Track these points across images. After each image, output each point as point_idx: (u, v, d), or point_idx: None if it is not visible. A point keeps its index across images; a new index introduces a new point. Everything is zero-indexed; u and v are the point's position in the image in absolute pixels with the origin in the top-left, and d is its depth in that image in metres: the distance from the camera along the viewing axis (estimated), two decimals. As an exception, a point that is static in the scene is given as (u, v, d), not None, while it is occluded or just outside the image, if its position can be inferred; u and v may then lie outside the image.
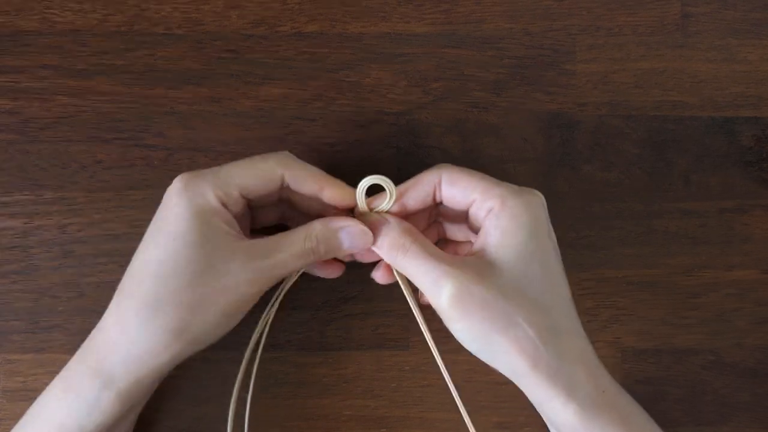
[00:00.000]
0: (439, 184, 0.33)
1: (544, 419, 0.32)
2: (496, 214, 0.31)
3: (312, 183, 0.32)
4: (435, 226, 0.37)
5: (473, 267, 0.30)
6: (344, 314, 0.38)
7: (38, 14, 0.39)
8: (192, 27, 0.39)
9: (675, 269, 0.40)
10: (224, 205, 0.31)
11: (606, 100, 0.40)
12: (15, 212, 0.38)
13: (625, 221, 0.39)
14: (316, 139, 0.39)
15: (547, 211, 0.32)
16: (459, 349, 0.37)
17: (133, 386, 0.30)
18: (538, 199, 0.32)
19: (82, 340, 0.37)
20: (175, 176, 0.38)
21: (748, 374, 0.39)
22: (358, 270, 0.38)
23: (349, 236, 0.32)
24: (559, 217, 0.39)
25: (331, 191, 0.32)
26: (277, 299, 0.35)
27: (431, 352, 0.39)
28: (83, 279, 0.38)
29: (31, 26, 0.39)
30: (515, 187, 0.32)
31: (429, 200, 0.33)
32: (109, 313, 0.31)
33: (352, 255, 0.34)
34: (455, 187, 0.32)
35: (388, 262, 0.33)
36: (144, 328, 0.29)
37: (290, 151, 0.39)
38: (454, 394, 0.34)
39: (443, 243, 0.37)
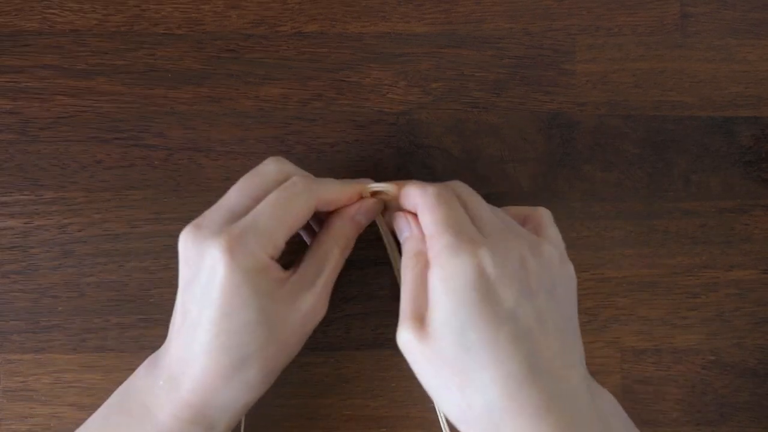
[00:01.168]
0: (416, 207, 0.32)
1: None
2: (432, 270, 0.29)
3: (338, 201, 0.33)
4: None
5: (426, 321, 0.29)
6: (344, 314, 0.38)
7: (38, 14, 0.39)
8: (192, 27, 0.39)
9: (675, 269, 0.40)
10: (272, 257, 0.30)
11: (605, 100, 0.40)
12: (15, 212, 0.38)
13: (625, 221, 0.39)
14: (316, 139, 0.39)
15: (496, 271, 0.28)
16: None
17: (227, 427, 0.32)
18: (474, 261, 0.28)
19: (83, 340, 0.37)
20: (176, 176, 0.38)
21: (748, 374, 0.39)
22: (358, 270, 0.38)
23: (364, 213, 0.34)
24: (559, 217, 0.39)
25: (351, 198, 0.34)
26: None
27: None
28: (83, 279, 0.38)
29: (31, 26, 0.39)
30: (455, 242, 0.29)
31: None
32: (187, 376, 0.30)
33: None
34: (420, 218, 0.31)
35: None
36: (235, 385, 0.30)
37: (290, 151, 0.39)
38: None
39: None
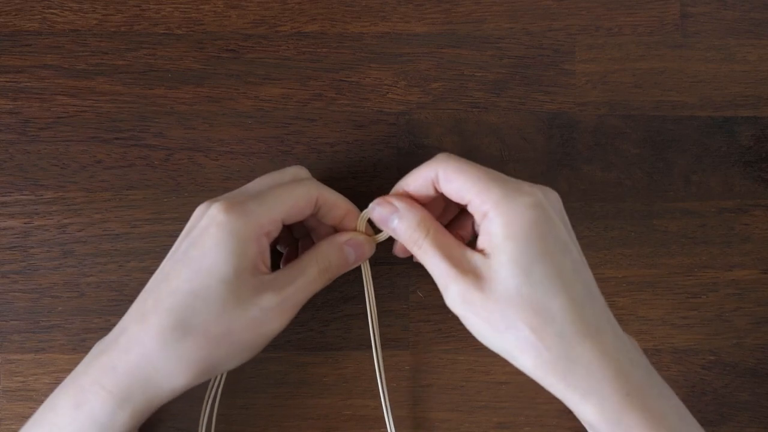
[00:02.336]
0: (437, 179, 0.32)
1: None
2: (491, 219, 0.30)
3: (338, 210, 0.33)
4: (460, 221, 0.36)
5: (476, 269, 0.30)
6: (344, 314, 0.38)
7: (38, 14, 0.39)
8: (192, 27, 0.39)
9: (675, 269, 0.40)
10: (267, 235, 0.31)
11: (605, 100, 0.40)
12: (15, 212, 0.38)
13: (625, 221, 0.39)
14: (316, 139, 0.39)
15: (550, 209, 0.31)
16: (459, 349, 0.37)
17: (147, 408, 0.30)
18: (532, 198, 0.30)
19: (83, 340, 0.37)
20: (176, 176, 0.38)
21: (748, 374, 0.39)
22: (358, 270, 0.38)
23: (354, 248, 0.34)
24: (559, 217, 0.39)
25: (349, 221, 0.34)
26: None
27: (431, 352, 0.39)
28: (83, 279, 0.38)
29: (31, 26, 0.39)
30: (510, 186, 0.31)
31: (431, 193, 0.33)
32: (126, 333, 0.30)
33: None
34: (451, 185, 0.32)
35: (407, 248, 0.33)
36: (167, 355, 0.29)
37: (290, 151, 0.39)
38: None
39: (462, 217, 0.36)
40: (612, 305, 0.39)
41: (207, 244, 0.30)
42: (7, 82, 0.38)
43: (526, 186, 0.31)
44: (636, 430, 0.29)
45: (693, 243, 0.40)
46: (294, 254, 0.37)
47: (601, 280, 0.39)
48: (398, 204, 0.33)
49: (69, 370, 0.37)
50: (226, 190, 0.38)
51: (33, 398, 0.37)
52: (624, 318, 0.39)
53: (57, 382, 0.37)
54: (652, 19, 0.40)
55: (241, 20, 0.39)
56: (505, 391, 0.38)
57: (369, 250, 0.34)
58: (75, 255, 0.38)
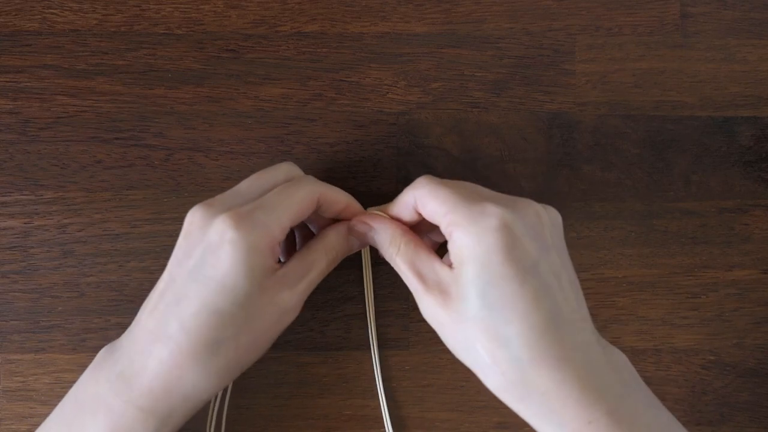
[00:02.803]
0: (416, 205, 0.33)
1: None
2: (455, 241, 0.30)
3: (338, 205, 0.34)
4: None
5: (441, 285, 0.31)
6: (344, 314, 0.38)
7: (38, 14, 0.39)
8: (192, 27, 0.39)
9: (675, 269, 0.40)
10: (279, 243, 0.31)
11: (605, 100, 0.40)
12: (15, 212, 0.38)
13: (625, 221, 0.39)
14: (316, 139, 0.39)
15: (520, 231, 0.29)
16: (459, 348, 0.36)
17: (184, 420, 0.31)
18: (495, 221, 0.29)
19: (83, 340, 0.37)
20: (176, 176, 0.38)
21: (748, 374, 0.39)
22: (358, 270, 0.38)
23: (358, 236, 0.35)
24: (559, 216, 0.39)
25: (349, 212, 0.35)
26: None
27: (432, 352, 0.39)
28: (83, 279, 0.38)
29: (31, 26, 0.39)
30: (479, 208, 0.30)
31: (415, 217, 0.34)
32: (156, 358, 0.30)
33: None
34: (424, 210, 0.32)
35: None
36: (203, 372, 0.30)
37: (290, 151, 0.39)
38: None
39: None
40: (612, 305, 0.39)
41: (224, 263, 0.29)
42: (7, 82, 0.38)
43: (491, 207, 0.30)
44: None
45: (693, 243, 0.40)
46: (292, 243, 0.37)
47: (601, 280, 0.39)
48: (372, 222, 0.34)
49: (69, 370, 0.37)
50: (226, 189, 0.38)
51: (33, 398, 0.37)
52: (624, 318, 0.39)
53: (57, 382, 0.37)
54: (652, 19, 0.40)
55: (241, 20, 0.39)
56: (505, 391, 0.38)
57: (371, 238, 0.35)
58: (75, 255, 0.38)
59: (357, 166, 0.39)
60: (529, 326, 0.29)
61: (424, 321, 0.37)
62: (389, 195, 0.38)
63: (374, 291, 0.38)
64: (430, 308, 0.31)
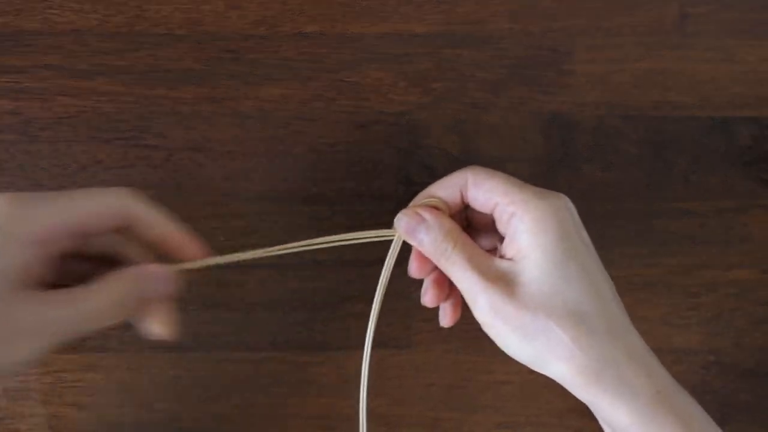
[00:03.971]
0: (466, 185, 0.32)
1: (598, 420, 0.32)
2: (520, 218, 0.30)
3: (155, 230, 0.30)
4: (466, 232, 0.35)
5: (505, 278, 0.30)
6: (344, 314, 0.38)
7: (39, 14, 0.39)
8: (192, 27, 0.39)
9: (675, 269, 0.40)
10: (44, 242, 0.27)
11: (605, 101, 0.40)
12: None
13: (625, 221, 0.40)
14: (316, 139, 0.39)
15: (574, 212, 0.31)
16: (459, 348, 0.37)
17: None
18: (561, 201, 0.31)
19: (82, 340, 0.37)
20: (176, 176, 0.38)
21: (748, 374, 0.39)
22: (358, 270, 0.38)
23: (163, 282, 0.30)
24: (559, 216, 0.39)
25: (170, 247, 0.30)
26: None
27: (433, 351, 0.39)
28: (83, 279, 0.38)
29: (32, 26, 0.39)
30: (538, 190, 0.31)
31: (458, 201, 0.33)
32: None
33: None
34: (480, 189, 0.32)
35: (433, 261, 0.32)
36: None
37: (290, 151, 0.39)
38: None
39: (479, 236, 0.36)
40: (612, 305, 0.39)
41: None
42: (8, 82, 0.38)
43: (553, 192, 0.31)
44: (668, 429, 0.29)
45: (693, 243, 0.40)
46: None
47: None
48: (425, 215, 0.32)
49: (69, 370, 0.37)
50: (226, 189, 0.38)
51: (33, 398, 0.37)
52: (624, 318, 0.39)
53: (57, 381, 0.37)
54: (652, 19, 0.40)
55: (242, 21, 0.39)
56: (507, 391, 0.38)
57: (419, 233, 0.32)
58: (75, 255, 0.38)
59: (357, 166, 0.39)
60: (601, 299, 0.30)
61: (425, 321, 0.37)
62: (389, 195, 0.39)
63: (374, 290, 0.38)
64: (493, 303, 0.30)
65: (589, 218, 0.39)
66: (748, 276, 0.40)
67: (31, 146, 0.38)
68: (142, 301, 0.29)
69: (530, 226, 0.30)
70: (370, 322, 0.35)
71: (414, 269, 0.34)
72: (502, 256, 0.31)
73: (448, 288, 0.33)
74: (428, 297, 0.34)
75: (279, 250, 0.32)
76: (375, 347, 0.38)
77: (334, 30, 0.39)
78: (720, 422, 0.39)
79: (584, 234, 0.31)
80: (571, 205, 0.31)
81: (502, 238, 0.32)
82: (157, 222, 0.30)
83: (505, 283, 0.30)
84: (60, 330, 0.27)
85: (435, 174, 0.39)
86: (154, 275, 0.29)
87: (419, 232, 0.32)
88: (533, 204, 0.30)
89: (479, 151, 0.39)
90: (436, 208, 0.32)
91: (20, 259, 0.26)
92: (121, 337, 0.38)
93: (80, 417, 0.37)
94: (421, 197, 0.33)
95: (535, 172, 0.39)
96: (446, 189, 0.33)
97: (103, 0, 0.39)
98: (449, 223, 0.32)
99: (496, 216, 0.32)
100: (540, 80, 0.40)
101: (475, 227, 0.35)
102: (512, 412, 0.38)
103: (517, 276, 0.30)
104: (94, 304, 0.28)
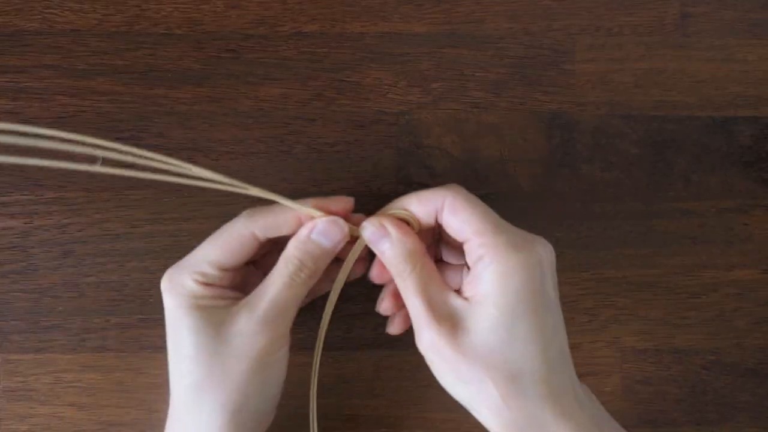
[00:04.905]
0: (442, 208, 0.31)
1: None
2: (486, 265, 0.29)
3: (283, 228, 0.32)
4: (434, 246, 0.36)
5: (453, 318, 0.29)
6: (344, 314, 0.38)
7: (38, 14, 0.39)
8: (192, 27, 0.39)
9: (675, 269, 0.40)
10: (207, 284, 0.31)
11: (606, 100, 0.40)
12: (15, 212, 0.38)
13: (625, 221, 0.39)
14: (316, 139, 0.39)
15: (548, 267, 0.30)
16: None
17: None
18: (535, 257, 0.29)
19: (83, 340, 0.38)
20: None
21: (748, 374, 0.39)
22: (355, 277, 0.38)
23: (323, 234, 0.32)
24: (559, 217, 0.39)
25: (302, 224, 0.33)
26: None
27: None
28: (83, 279, 0.38)
29: (31, 26, 0.39)
30: (513, 238, 0.30)
31: (431, 220, 0.32)
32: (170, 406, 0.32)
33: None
34: (455, 218, 0.31)
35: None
36: (196, 415, 0.31)
37: (290, 151, 0.39)
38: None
39: (439, 264, 0.36)
40: (612, 305, 0.39)
41: (167, 314, 0.32)
42: (7, 82, 0.38)
43: (530, 238, 0.30)
44: None
45: (693, 243, 0.40)
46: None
47: (601, 280, 0.39)
48: (391, 230, 0.31)
49: (69, 370, 0.37)
50: (226, 189, 0.38)
51: (33, 398, 0.37)
52: (624, 318, 0.39)
53: (57, 382, 0.37)
54: (652, 19, 0.40)
55: (241, 20, 0.39)
56: (505, 391, 0.38)
57: (340, 230, 0.32)
58: (75, 255, 0.38)
59: (357, 166, 0.39)
60: (544, 362, 0.29)
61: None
62: (389, 195, 0.38)
63: (374, 290, 0.38)
64: (434, 341, 0.29)
65: (589, 218, 0.39)
66: (748, 276, 0.40)
67: (30, 146, 0.38)
68: (321, 258, 0.32)
69: (494, 278, 0.29)
70: (322, 322, 0.35)
71: (375, 274, 0.34)
72: (459, 291, 0.31)
73: (403, 301, 0.32)
74: (383, 305, 0.35)
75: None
76: (374, 348, 0.38)
77: (334, 29, 0.39)
78: (720, 422, 0.39)
79: (550, 290, 0.30)
80: (546, 258, 0.30)
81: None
82: (278, 223, 0.32)
83: (452, 324, 0.29)
84: (270, 318, 0.31)
85: (435, 174, 0.39)
86: (320, 228, 0.32)
87: (382, 245, 0.32)
88: (503, 256, 0.29)
89: (479, 151, 0.39)
90: (405, 221, 0.32)
91: (193, 310, 0.31)
92: (121, 337, 0.38)
93: (80, 417, 0.37)
94: (394, 207, 0.33)
95: (535, 172, 0.39)
96: (421, 206, 0.32)
97: (102, -1, 0.39)
98: (412, 244, 0.31)
99: (465, 249, 0.31)
100: (540, 80, 0.40)
101: (445, 242, 0.35)
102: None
103: (466, 320, 0.29)
104: (279, 284, 0.31)
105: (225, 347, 0.30)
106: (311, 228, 0.32)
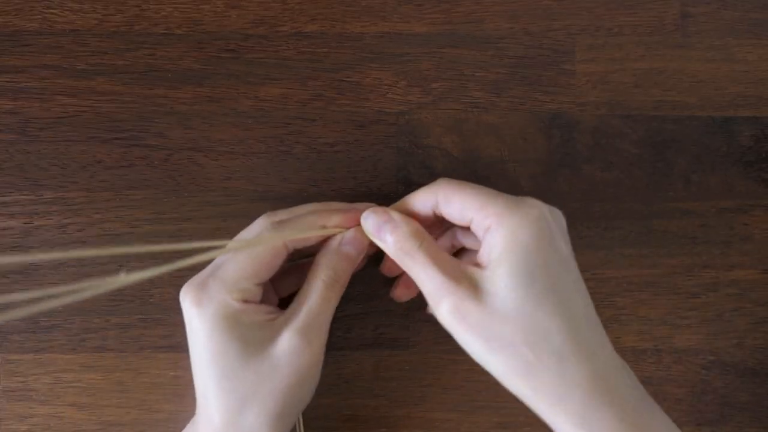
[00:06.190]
0: (437, 204, 0.32)
1: None
2: (493, 231, 0.29)
3: (310, 241, 0.33)
4: (449, 233, 0.36)
5: (473, 282, 0.29)
6: (344, 314, 0.38)
7: (38, 14, 0.39)
8: (192, 27, 0.39)
9: (675, 269, 0.40)
10: (246, 301, 0.31)
11: (605, 100, 0.40)
12: (15, 212, 0.38)
13: (625, 221, 0.39)
14: (316, 139, 0.39)
15: (552, 221, 0.30)
16: (459, 349, 0.36)
17: None
18: (536, 211, 0.29)
19: (82, 340, 0.38)
20: (176, 176, 0.38)
21: (748, 374, 0.39)
22: (358, 270, 0.38)
23: (351, 243, 0.33)
24: (559, 217, 0.39)
25: (335, 221, 0.33)
26: None
27: (432, 351, 0.39)
28: (83, 279, 0.38)
29: (31, 26, 0.39)
30: (513, 199, 0.30)
31: (430, 217, 0.33)
32: (198, 424, 0.32)
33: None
34: (451, 205, 0.31)
35: (396, 261, 0.32)
36: (237, 429, 0.31)
37: (290, 151, 0.39)
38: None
39: (459, 252, 0.36)
40: (612, 305, 0.39)
41: (202, 338, 0.31)
42: (7, 82, 0.38)
43: (530, 200, 0.30)
44: None
45: (693, 243, 0.40)
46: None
47: (601, 280, 0.39)
48: (393, 214, 0.32)
49: (69, 370, 0.37)
50: (226, 190, 0.38)
51: (33, 398, 0.37)
52: (624, 318, 0.39)
53: (57, 382, 0.37)
54: (652, 19, 0.40)
55: (241, 20, 0.39)
56: (506, 391, 0.38)
57: (364, 237, 0.33)
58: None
59: (357, 166, 0.39)
60: (569, 319, 0.28)
61: (424, 321, 0.37)
62: (389, 195, 0.38)
63: (374, 290, 0.38)
64: (459, 306, 0.29)
65: (589, 218, 0.39)
66: (748, 276, 0.40)
67: (30, 146, 0.38)
68: (349, 268, 0.33)
69: (501, 240, 0.29)
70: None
71: (386, 268, 0.35)
72: (472, 263, 0.31)
73: (416, 287, 0.32)
74: (397, 292, 0.36)
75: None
76: (374, 348, 0.38)
77: (334, 30, 0.39)
78: (720, 422, 0.39)
79: (561, 244, 0.30)
80: (548, 213, 0.30)
81: None
82: (306, 237, 0.33)
83: (471, 285, 0.29)
84: (312, 332, 0.32)
85: (435, 174, 0.39)
86: (348, 239, 0.33)
87: (385, 232, 0.32)
88: (507, 216, 0.29)
89: (479, 151, 0.39)
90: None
91: (241, 322, 0.31)
92: (121, 337, 0.38)
93: (80, 417, 0.37)
94: (396, 207, 0.34)
95: (535, 172, 0.39)
96: (416, 207, 0.32)
97: (102, -1, 0.39)
98: (416, 223, 0.32)
99: (474, 230, 0.31)
100: (540, 80, 0.40)
101: (462, 234, 0.35)
102: (511, 412, 0.38)
103: (484, 282, 0.29)
104: (317, 296, 0.32)
105: (270, 363, 0.31)
106: (340, 240, 0.33)
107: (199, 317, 0.31)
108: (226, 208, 0.38)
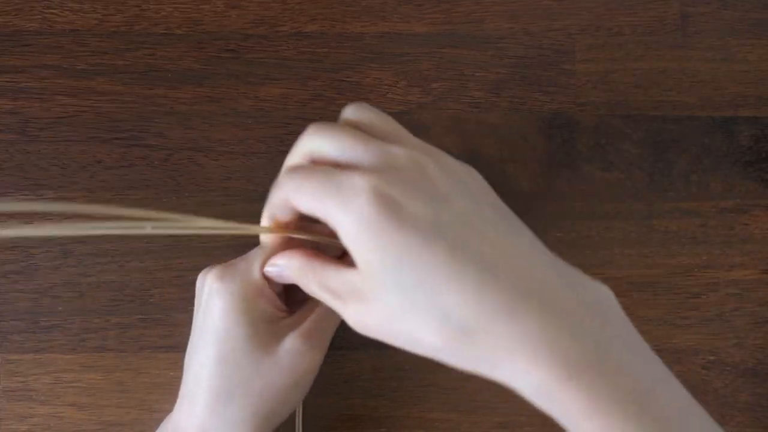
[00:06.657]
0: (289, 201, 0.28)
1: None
2: (340, 237, 0.26)
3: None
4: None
5: (358, 294, 0.27)
6: (344, 314, 0.38)
7: (38, 14, 0.39)
8: (192, 27, 0.39)
9: (675, 269, 0.40)
10: (268, 283, 0.31)
11: (606, 100, 0.40)
12: (15, 212, 0.38)
13: (625, 221, 0.39)
14: (316, 139, 0.39)
15: (395, 192, 0.25)
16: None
17: None
18: (363, 197, 0.25)
19: (82, 340, 0.38)
20: (176, 176, 0.38)
21: (748, 374, 0.39)
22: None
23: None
24: (559, 217, 0.39)
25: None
26: None
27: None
28: (83, 279, 0.38)
29: (31, 26, 0.39)
30: (342, 190, 0.25)
31: (295, 212, 0.29)
32: (182, 414, 0.32)
33: None
34: (301, 210, 0.27)
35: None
36: (220, 422, 0.31)
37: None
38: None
39: None
40: (612, 305, 0.39)
41: (215, 313, 0.31)
42: (7, 82, 0.38)
43: (357, 179, 0.25)
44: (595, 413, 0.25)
45: (693, 243, 0.40)
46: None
47: (601, 280, 0.39)
48: (278, 260, 0.30)
49: (69, 370, 0.37)
50: (226, 190, 0.38)
51: (33, 398, 0.37)
52: (624, 318, 0.39)
53: (57, 382, 0.37)
54: (652, 19, 0.40)
55: (241, 20, 0.39)
56: (506, 391, 0.38)
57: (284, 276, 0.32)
58: (75, 255, 0.38)
59: (357, 166, 0.39)
60: (461, 289, 0.24)
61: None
62: (389, 195, 0.38)
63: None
64: (357, 321, 0.27)
65: (589, 218, 0.39)
66: (748, 276, 0.40)
67: (30, 146, 0.38)
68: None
69: (350, 245, 0.26)
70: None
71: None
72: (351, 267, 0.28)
73: None
74: None
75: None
76: (374, 348, 0.38)
77: (334, 30, 0.39)
78: (720, 422, 0.39)
79: (418, 215, 0.25)
80: (389, 184, 0.25)
81: None
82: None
83: (357, 299, 0.27)
84: (316, 338, 0.32)
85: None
86: (270, 268, 0.31)
87: (282, 278, 0.31)
88: (339, 220, 0.25)
89: (479, 151, 0.39)
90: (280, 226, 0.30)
91: (257, 307, 0.31)
92: (121, 337, 0.38)
93: (80, 417, 0.37)
94: (265, 217, 0.31)
95: (535, 172, 0.39)
96: (277, 209, 0.29)
97: (102, -1, 0.39)
98: (298, 259, 0.29)
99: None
100: (540, 80, 0.40)
101: None
102: (511, 412, 0.38)
103: (365, 290, 0.26)
104: (324, 312, 0.32)
105: (270, 360, 0.31)
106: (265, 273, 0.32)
107: (219, 293, 0.30)
108: (226, 208, 0.38)
